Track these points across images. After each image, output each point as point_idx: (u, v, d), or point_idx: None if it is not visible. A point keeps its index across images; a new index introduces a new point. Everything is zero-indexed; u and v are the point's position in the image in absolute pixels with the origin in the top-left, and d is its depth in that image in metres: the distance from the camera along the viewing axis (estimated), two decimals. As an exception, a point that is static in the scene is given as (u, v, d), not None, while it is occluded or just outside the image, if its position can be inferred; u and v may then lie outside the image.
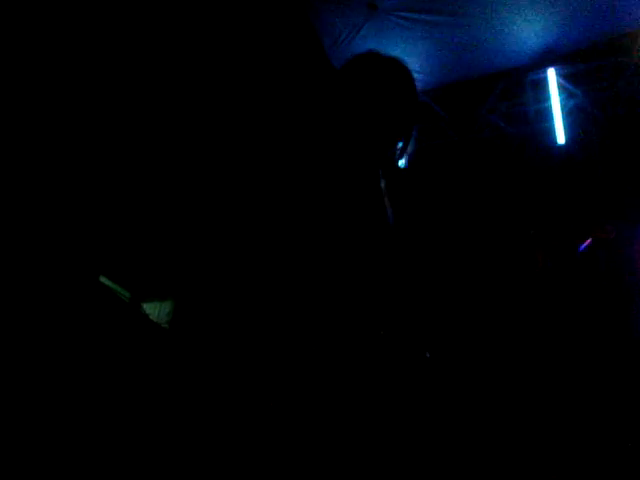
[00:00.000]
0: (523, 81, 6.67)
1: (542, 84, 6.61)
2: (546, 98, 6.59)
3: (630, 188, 5.60)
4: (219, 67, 5.62)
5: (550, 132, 6.54)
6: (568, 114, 6.58)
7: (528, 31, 6.11)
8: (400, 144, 2.03)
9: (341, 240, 1.88)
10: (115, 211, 5.38)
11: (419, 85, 7.47)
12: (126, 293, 5.68)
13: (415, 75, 6.73)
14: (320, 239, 1.88)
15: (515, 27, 6.04)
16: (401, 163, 2.15)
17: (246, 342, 1.79)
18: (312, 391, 1.67)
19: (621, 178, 5.89)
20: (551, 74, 6.51)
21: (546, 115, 6.65)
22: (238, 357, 1.83)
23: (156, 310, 5.97)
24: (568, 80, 6.54)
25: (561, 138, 6.43)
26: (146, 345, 5.19)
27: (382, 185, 1.99)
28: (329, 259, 1.87)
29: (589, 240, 5.38)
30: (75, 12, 4.62)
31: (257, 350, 1.75)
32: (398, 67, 2.08)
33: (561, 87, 6.55)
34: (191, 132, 5.74)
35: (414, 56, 6.37)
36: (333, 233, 1.89)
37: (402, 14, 5.89)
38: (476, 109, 6.84)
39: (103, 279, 5.42)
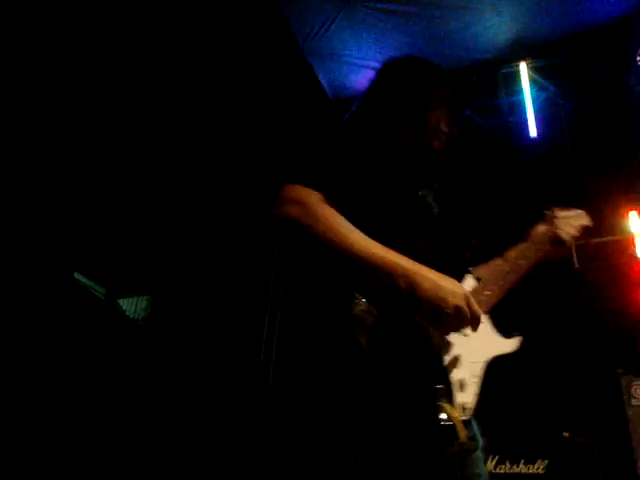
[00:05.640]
0: (495, 74, 6.74)
1: (514, 77, 6.68)
2: (518, 91, 6.67)
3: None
4: (189, 65, 5.57)
5: (523, 125, 6.61)
6: (540, 107, 6.67)
7: (499, 22, 6.18)
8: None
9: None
10: (89, 206, 5.33)
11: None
12: (101, 289, 5.62)
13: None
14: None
15: (486, 18, 6.11)
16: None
17: (224, 338, 1.80)
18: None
19: (592, 169, 5.98)
20: (523, 67, 6.59)
21: (518, 108, 6.72)
22: (216, 353, 1.84)
23: (132, 306, 5.92)
24: (539, 73, 6.63)
25: (533, 131, 6.51)
26: (123, 342, 5.16)
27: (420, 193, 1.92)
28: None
29: None
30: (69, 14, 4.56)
31: (233, 346, 1.76)
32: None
33: (533, 80, 6.63)
34: (160, 129, 5.70)
35: (387, 48, 6.39)
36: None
37: (375, 4, 5.92)
38: (449, 102, 6.88)
39: (77, 275, 5.36)
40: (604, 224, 5.92)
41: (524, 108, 6.57)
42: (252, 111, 5.86)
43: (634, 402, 3.68)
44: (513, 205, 6.02)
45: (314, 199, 1.53)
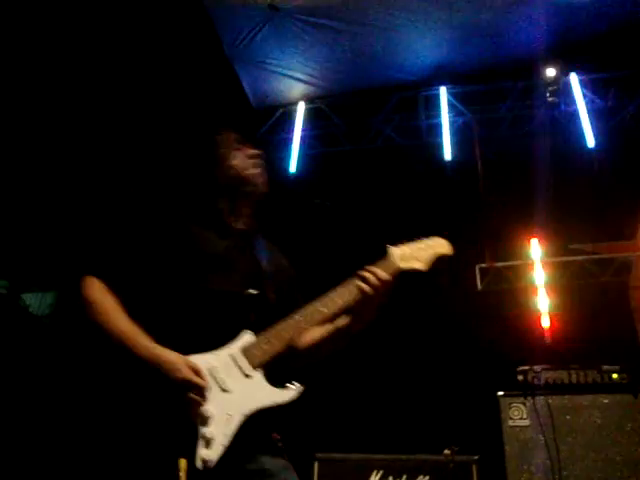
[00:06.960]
0: (416, 96, 6.94)
1: (434, 100, 6.91)
2: (437, 114, 6.90)
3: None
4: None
5: (440, 147, 6.82)
6: (456, 131, 6.91)
7: (423, 46, 6.38)
8: None
9: None
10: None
11: (317, 91, 7.56)
12: (3, 282, 5.46)
13: (313, 80, 6.91)
14: None
15: (410, 40, 6.29)
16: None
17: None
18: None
19: (504, 196, 6.22)
20: (442, 92, 6.83)
21: (436, 130, 6.95)
22: (120, 353, 1.88)
23: (37, 302, 5.78)
24: (458, 99, 6.88)
25: (448, 154, 6.73)
26: (24, 339, 5.03)
27: None
28: None
29: None
30: None
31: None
32: None
33: (451, 105, 6.88)
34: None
35: (313, 61, 6.49)
36: None
37: (302, 17, 5.97)
38: (371, 119, 7.05)
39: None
40: (508, 249, 6.19)
41: (441, 131, 6.81)
42: (170, 116, 5.80)
43: (510, 422, 3.91)
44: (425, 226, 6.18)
45: (99, 295, 1.94)
